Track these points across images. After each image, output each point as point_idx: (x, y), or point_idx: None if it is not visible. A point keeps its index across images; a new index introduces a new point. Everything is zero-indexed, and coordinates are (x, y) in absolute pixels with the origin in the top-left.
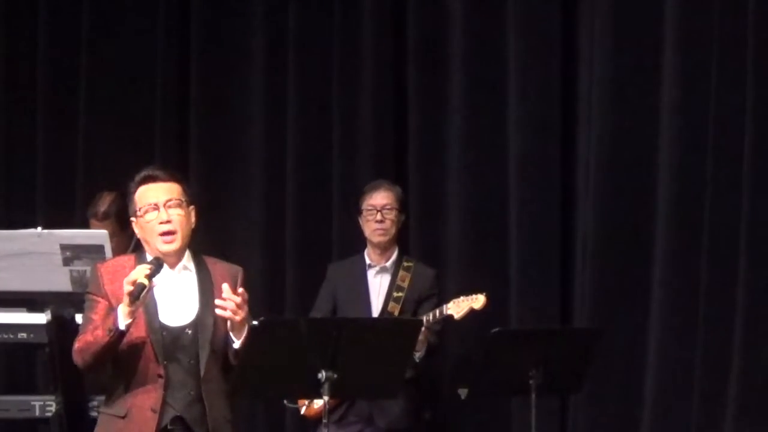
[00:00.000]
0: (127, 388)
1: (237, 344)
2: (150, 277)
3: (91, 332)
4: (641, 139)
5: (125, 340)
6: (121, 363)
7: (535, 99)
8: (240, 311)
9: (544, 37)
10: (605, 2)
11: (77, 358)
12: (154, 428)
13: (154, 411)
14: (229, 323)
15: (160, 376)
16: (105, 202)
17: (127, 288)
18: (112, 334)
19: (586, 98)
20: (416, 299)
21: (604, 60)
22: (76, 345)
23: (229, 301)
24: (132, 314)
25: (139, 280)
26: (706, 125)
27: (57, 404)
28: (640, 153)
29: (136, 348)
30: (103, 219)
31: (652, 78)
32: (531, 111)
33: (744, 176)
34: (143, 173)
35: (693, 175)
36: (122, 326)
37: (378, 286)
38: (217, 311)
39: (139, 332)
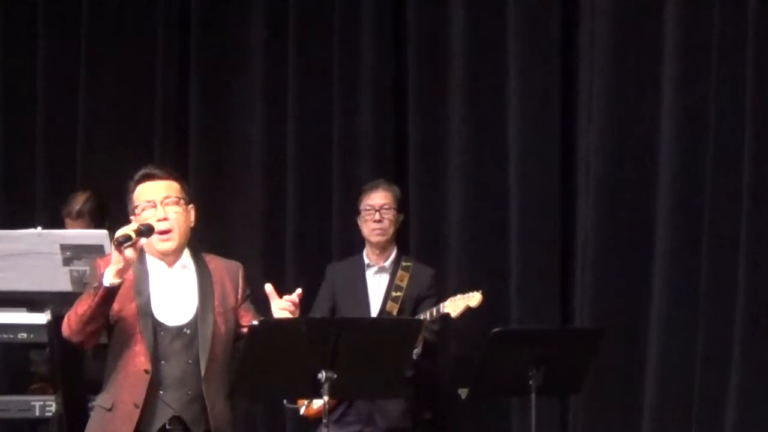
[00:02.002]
0: (116, 382)
1: None
2: (138, 233)
3: (79, 302)
4: (641, 139)
5: (118, 334)
6: (112, 355)
7: (535, 99)
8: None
9: (544, 37)
10: (605, 2)
11: (65, 329)
12: (135, 422)
13: (136, 406)
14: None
15: (146, 371)
16: (78, 201)
17: (116, 236)
18: (96, 291)
19: (586, 98)
20: (415, 298)
21: (604, 60)
22: (66, 317)
23: (288, 303)
24: (120, 275)
25: (126, 232)
26: (706, 125)
27: (57, 404)
28: (640, 153)
29: (127, 342)
30: (77, 217)
31: (652, 78)
32: (531, 111)
33: (744, 176)
34: (141, 172)
35: (693, 175)
36: (106, 282)
37: (377, 285)
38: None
39: (131, 326)
